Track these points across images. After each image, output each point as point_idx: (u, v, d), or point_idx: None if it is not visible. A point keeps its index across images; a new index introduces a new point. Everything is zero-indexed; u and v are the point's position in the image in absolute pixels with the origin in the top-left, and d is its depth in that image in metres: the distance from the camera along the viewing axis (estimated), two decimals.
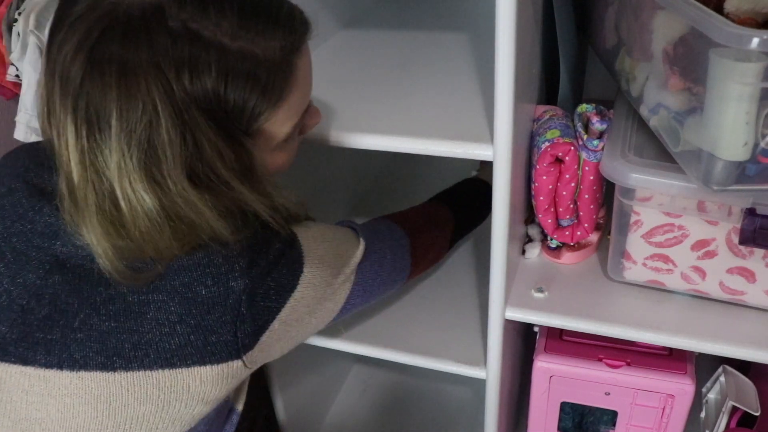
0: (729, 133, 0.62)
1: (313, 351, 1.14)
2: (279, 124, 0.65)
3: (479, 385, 0.94)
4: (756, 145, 0.63)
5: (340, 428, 1.34)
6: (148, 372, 0.61)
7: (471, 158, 0.76)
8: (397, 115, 0.84)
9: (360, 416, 1.36)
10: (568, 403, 0.99)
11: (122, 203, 0.58)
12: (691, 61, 0.66)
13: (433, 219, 0.94)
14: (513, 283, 0.90)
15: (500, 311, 0.85)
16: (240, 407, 0.77)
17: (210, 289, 0.62)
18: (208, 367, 0.63)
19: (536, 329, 1.00)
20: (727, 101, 0.61)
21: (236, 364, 0.64)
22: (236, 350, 0.63)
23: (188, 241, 0.61)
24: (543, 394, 0.99)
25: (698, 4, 0.61)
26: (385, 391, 1.42)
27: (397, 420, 1.35)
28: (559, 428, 1.03)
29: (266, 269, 0.64)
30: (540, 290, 0.88)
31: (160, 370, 0.62)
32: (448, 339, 0.98)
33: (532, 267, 0.94)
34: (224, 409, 0.73)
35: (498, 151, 0.73)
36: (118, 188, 0.57)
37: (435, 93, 0.90)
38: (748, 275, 0.79)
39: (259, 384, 1.21)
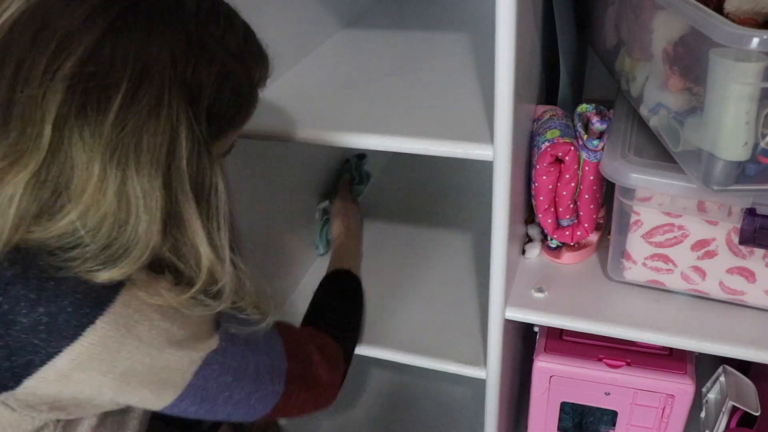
0: (729, 133, 0.62)
1: None
2: (226, 143, 0.64)
3: (479, 385, 0.94)
4: (756, 145, 0.63)
5: (340, 428, 1.34)
6: None
7: (471, 158, 0.76)
8: (397, 115, 0.84)
9: (360, 416, 1.36)
10: (568, 403, 0.99)
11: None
12: (691, 61, 0.66)
13: (318, 350, 0.78)
14: (513, 283, 0.90)
15: (500, 311, 0.85)
16: None
17: None
18: None
19: (536, 329, 1.00)
20: (727, 101, 0.61)
21: None
22: None
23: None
24: (543, 394, 0.99)
25: (698, 4, 0.62)
26: (385, 391, 1.42)
27: (397, 420, 1.35)
28: (559, 428, 1.03)
29: (38, 296, 0.52)
30: (540, 290, 0.88)
31: None
32: (448, 339, 0.98)
33: (532, 267, 0.94)
34: None
35: (498, 151, 0.73)
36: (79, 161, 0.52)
37: (435, 93, 0.90)
38: (748, 275, 0.79)
39: None
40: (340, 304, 0.95)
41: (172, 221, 0.56)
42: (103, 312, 0.54)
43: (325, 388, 0.79)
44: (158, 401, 0.61)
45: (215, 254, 0.59)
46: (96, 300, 0.54)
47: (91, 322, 0.53)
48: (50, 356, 0.53)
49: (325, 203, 1.18)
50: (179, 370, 0.60)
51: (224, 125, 0.60)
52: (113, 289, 0.55)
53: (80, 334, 0.53)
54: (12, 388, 0.53)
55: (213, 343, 0.62)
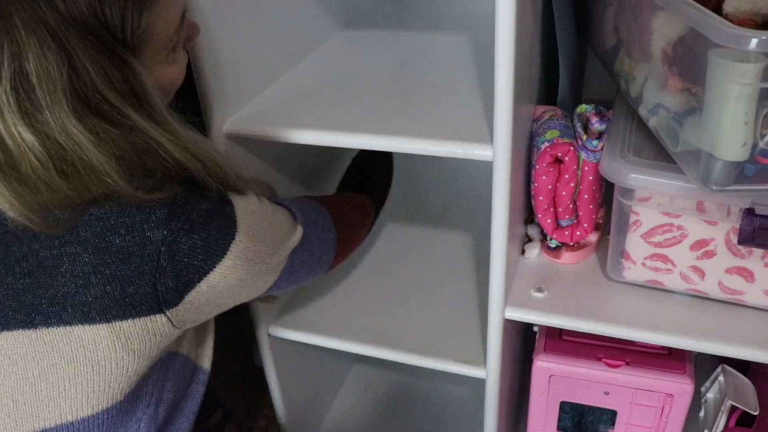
0: (728, 134, 0.62)
1: (313, 351, 1.14)
2: (161, 26, 0.63)
3: (479, 384, 0.95)
4: (755, 145, 0.63)
5: (340, 428, 1.34)
6: (68, 328, 0.60)
7: (471, 158, 0.76)
8: (397, 115, 0.84)
9: (360, 416, 1.37)
10: (568, 402, 0.99)
11: (10, 145, 0.56)
12: (690, 61, 0.66)
13: (358, 214, 0.94)
14: (513, 283, 0.90)
15: (500, 311, 0.86)
16: (206, 365, 0.76)
17: (124, 238, 0.60)
18: (129, 321, 0.61)
19: (536, 329, 1.00)
20: (726, 102, 0.61)
21: (160, 319, 0.63)
22: (157, 304, 0.62)
23: (87, 188, 0.59)
24: (542, 393, 0.99)
25: (697, 4, 0.62)
26: (385, 391, 1.42)
27: (397, 420, 1.35)
28: (558, 428, 1.03)
29: (190, 225, 0.63)
30: (540, 290, 0.89)
31: (80, 326, 0.60)
32: (448, 339, 0.98)
33: (531, 267, 0.94)
34: (187, 369, 0.73)
35: (497, 152, 0.74)
36: (2, 129, 0.55)
37: (435, 93, 0.90)
38: (747, 275, 0.79)
39: (259, 384, 1.22)
40: (373, 167, 1.07)
41: (123, 133, 0.60)
42: (237, 227, 0.66)
43: (361, 235, 0.95)
44: (265, 286, 0.73)
45: (179, 144, 0.64)
46: (227, 219, 0.66)
47: (233, 237, 0.65)
48: (206, 272, 0.64)
49: None
50: (282, 260, 0.72)
51: (135, 18, 0.59)
52: (228, 205, 0.67)
53: (228, 249, 0.65)
54: (176, 304, 0.63)
55: (299, 232, 0.75)
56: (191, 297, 0.64)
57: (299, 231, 0.75)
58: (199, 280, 0.64)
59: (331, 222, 0.83)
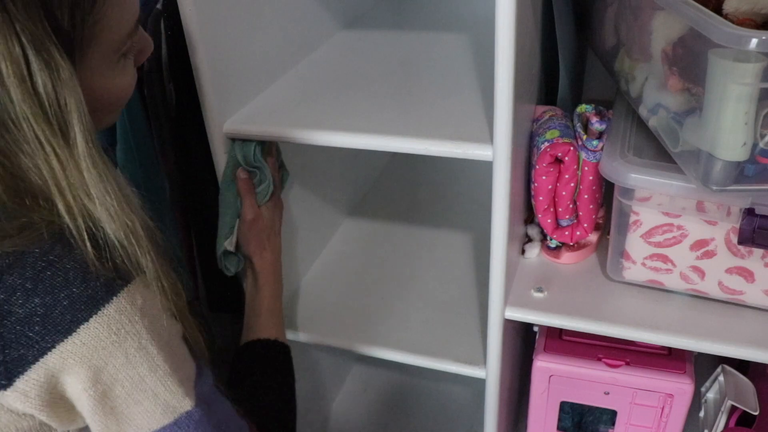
0: (728, 134, 0.62)
1: (313, 351, 1.14)
2: (114, 24, 0.55)
3: (479, 384, 0.95)
4: (755, 145, 0.63)
5: (340, 428, 1.34)
6: None
7: (471, 158, 0.76)
8: (397, 115, 0.84)
9: (360, 416, 1.37)
10: (568, 402, 0.99)
11: None
12: (690, 61, 0.66)
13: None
14: (513, 283, 0.90)
15: (500, 311, 0.86)
16: None
17: None
18: None
19: (536, 329, 1.00)
20: (726, 102, 0.61)
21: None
22: None
23: None
24: (542, 393, 0.99)
25: (697, 4, 0.62)
26: (385, 391, 1.42)
27: (397, 420, 1.35)
28: (558, 428, 1.03)
29: (34, 285, 0.50)
30: (539, 290, 0.89)
31: None
32: (448, 339, 0.98)
33: (531, 267, 0.94)
34: None
35: (497, 152, 0.74)
36: None
37: (435, 93, 0.90)
38: (747, 275, 0.79)
39: None
40: (273, 390, 0.81)
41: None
42: (98, 310, 0.52)
43: None
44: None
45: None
46: (92, 297, 0.52)
47: (86, 319, 0.51)
48: (43, 352, 0.51)
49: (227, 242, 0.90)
50: (151, 413, 0.57)
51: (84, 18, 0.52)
52: (110, 290, 0.53)
53: (74, 330, 0.51)
54: (4, 387, 0.51)
55: (189, 402, 0.59)
56: (22, 384, 0.51)
57: (190, 398, 0.59)
58: (34, 361, 0.51)
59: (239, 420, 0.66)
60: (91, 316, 0.51)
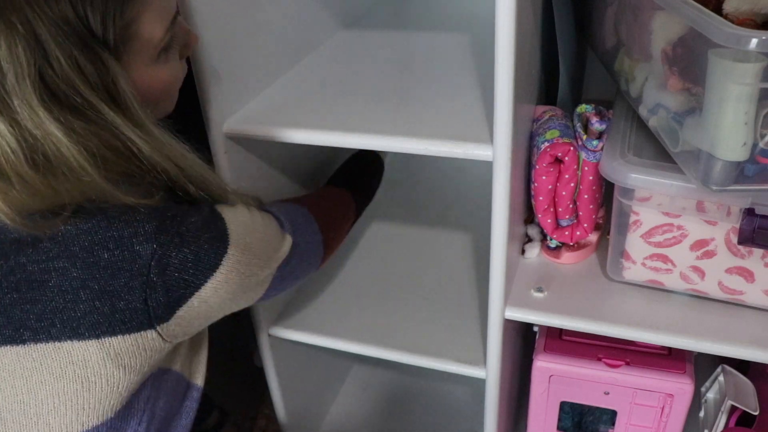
0: (728, 134, 0.62)
1: (313, 351, 1.14)
2: (148, 25, 0.62)
3: (479, 384, 0.95)
4: (755, 145, 0.63)
5: (340, 428, 1.34)
6: (57, 344, 0.59)
7: (471, 158, 0.76)
8: (397, 115, 0.84)
9: (360, 416, 1.37)
10: (568, 402, 0.99)
11: None
12: (690, 61, 0.66)
13: (341, 210, 0.94)
14: (513, 283, 0.90)
15: (500, 311, 0.86)
16: (199, 382, 0.75)
17: (113, 252, 0.59)
18: (119, 337, 0.60)
19: (536, 329, 1.00)
20: (726, 102, 0.61)
21: (150, 335, 0.62)
22: (148, 319, 0.61)
23: (64, 185, 0.58)
24: (542, 393, 0.99)
25: (697, 4, 0.62)
26: (385, 391, 1.42)
27: (397, 420, 1.35)
28: (558, 428, 1.03)
29: (180, 239, 0.62)
30: (539, 290, 0.89)
31: (69, 342, 0.59)
32: (448, 339, 0.98)
33: (531, 267, 0.94)
34: (180, 386, 0.72)
35: (497, 152, 0.74)
36: None
37: (435, 93, 0.90)
38: (747, 275, 0.79)
39: (259, 384, 1.22)
40: (359, 164, 1.07)
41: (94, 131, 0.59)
42: (228, 241, 0.65)
43: (344, 230, 0.95)
44: (256, 297, 0.72)
45: (152, 144, 0.63)
46: (218, 232, 0.65)
47: (225, 251, 0.64)
48: (198, 287, 0.63)
49: None
50: (273, 271, 0.72)
51: (116, 17, 0.59)
52: (219, 218, 0.66)
53: (220, 263, 0.64)
54: (167, 319, 0.62)
55: (288, 242, 0.74)
56: (182, 312, 0.63)
57: (288, 240, 0.75)
58: (191, 295, 0.63)
59: (316, 224, 0.83)
60: (227, 247, 0.65)
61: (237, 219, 0.68)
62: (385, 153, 1.07)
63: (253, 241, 0.69)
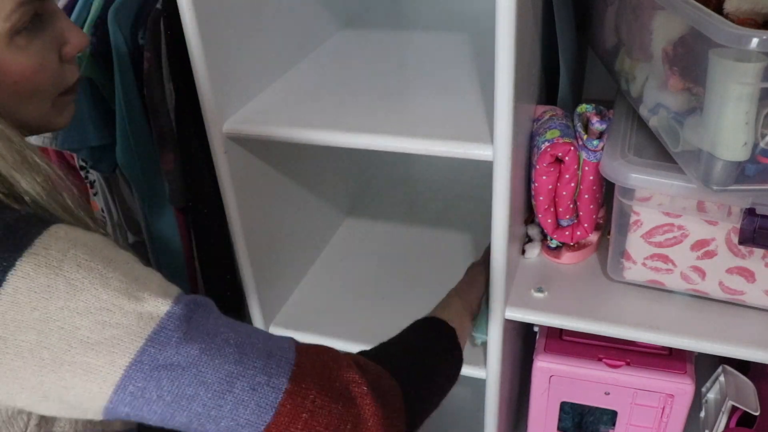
0: (728, 134, 0.62)
1: None
2: None
3: (479, 385, 0.95)
4: (755, 145, 0.63)
5: None
6: None
7: (471, 158, 0.76)
8: (397, 115, 0.84)
9: None
10: (568, 402, 0.99)
11: None
12: (690, 61, 0.66)
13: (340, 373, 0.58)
14: (513, 283, 0.90)
15: (500, 311, 0.86)
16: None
17: None
18: None
19: (536, 329, 1.00)
20: (726, 101, 0.61)
21: None
22: None
23: None
24: (543, 393, 0.99)
25: (698, 4, 0.62)
26: None
27: None
28: (559, 428, 1.03)
29: None
30: (540, 290, 0.89)
31: None
32: None
33: (532, 267, 0.94)
34: None
35: (498, 151, 0.74)
36: None
37: (435, 93, 0.90)
38: (748, 275, 0.79)
39: None
40: (417, 343, 0.70)
41: None
42: (23, 252, 0.47)
43: (367, 421, 0.54)
44: (95, 390, 0.48)
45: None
46: (15, 242, 0.48)
47: (12, 265, 0.47)
48: None
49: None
50: (126, 329, 0.47)
51: None
52: (33, 231, 0.49)
53: (3, 280, 0.47)
54: None
55: (166, 302, 0.50)
56: None
57: (169, 299, 0.50)
58: None
59: (290, 341, 0.56)
60: (17, 260, 0.47)
61: (69, 234, 0.50)
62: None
63: (94, 258, 0.49)
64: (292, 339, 0.57)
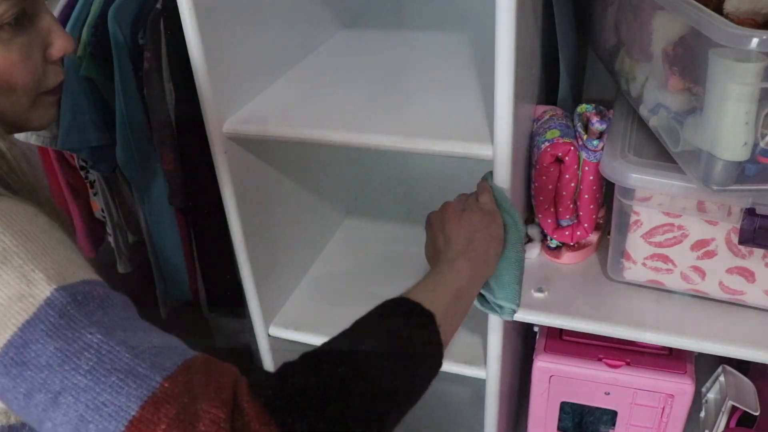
0: (728, 133, 0.62)
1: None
2: None
3: (479, 385, 0.95)
4: (755, 145, 0.63)
5: None
6: None
7: (471, 157, 0.76)
8: (398, 114, 0.84)
9: None
10: (568, 402, 0.99)
11: None
12: (690, 61, 0.66)
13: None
14: None
15: None
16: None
17: None
18: None
19: (536, 329, 1.00)
20: (726, 101, 0.61)
21: None
22: None
23: None
24: (543, 393, 0.99)
25: (698, 4, 0.62)
26: None
27: None
28: (559, 428, 1.03)
29: None
30: (540, 290, 0.89)
31: None
32: None
33: (532, 267, 0.94)
34: None
35: (498, 151, 0.74)
36: None
37: (435, 93, 0.90)
38: (748, 275, 0.79)
39: None
40: (362, 346, 0.58)
41: None
42: None
43: None
44: None
45: None
46: None
47: None
48: None
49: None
50: (7, 309, 0.44)
51: None
52: None
53: None
54: None
55: (49, 287, 0.45)
56: None
57: (48, 287, 0.45)
58: None
59: (164, 373, 0.44)
60: None
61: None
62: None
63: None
64: (187, 355, 0.47)
